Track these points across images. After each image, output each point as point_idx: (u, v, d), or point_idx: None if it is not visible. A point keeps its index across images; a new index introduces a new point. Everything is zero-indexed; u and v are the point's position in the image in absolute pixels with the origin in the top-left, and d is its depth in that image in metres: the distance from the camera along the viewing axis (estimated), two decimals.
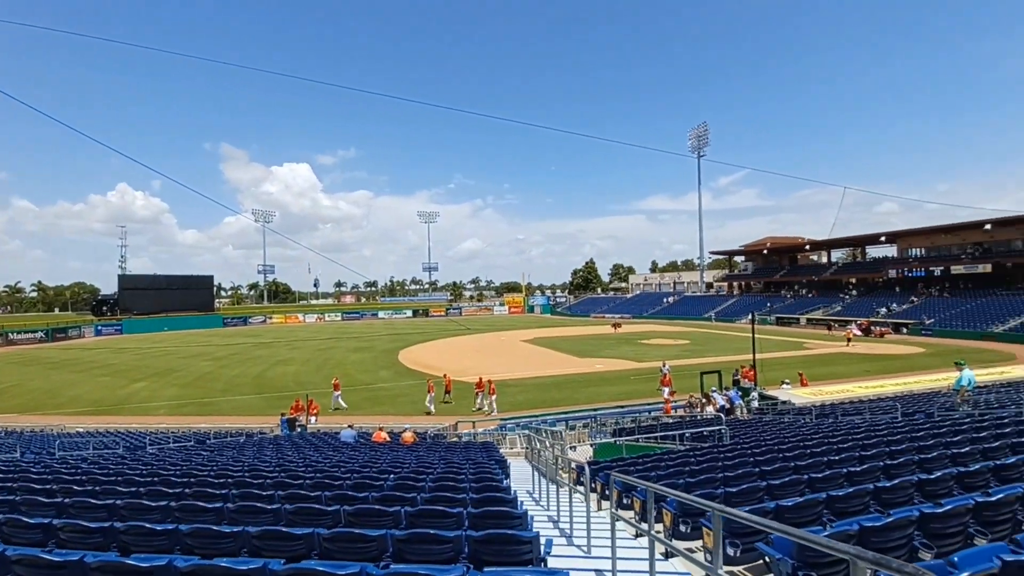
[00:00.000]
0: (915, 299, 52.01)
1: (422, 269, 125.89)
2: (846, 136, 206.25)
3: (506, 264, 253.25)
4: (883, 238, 61.23)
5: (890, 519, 3.52)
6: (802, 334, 49.09)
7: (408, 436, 13.46)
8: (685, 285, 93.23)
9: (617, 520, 4.55)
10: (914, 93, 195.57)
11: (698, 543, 5.00)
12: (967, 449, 6.49)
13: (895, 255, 61.01)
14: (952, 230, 53.52)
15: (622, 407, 20.67)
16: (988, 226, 49.58)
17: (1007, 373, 24.08)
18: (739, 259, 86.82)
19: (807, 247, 73.75)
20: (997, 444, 6.72)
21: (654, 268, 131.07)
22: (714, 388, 20.39)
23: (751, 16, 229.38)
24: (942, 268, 53.21)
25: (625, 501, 6.76)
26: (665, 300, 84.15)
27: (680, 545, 4.49)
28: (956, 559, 2.66)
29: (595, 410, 19.78)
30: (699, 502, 3.88)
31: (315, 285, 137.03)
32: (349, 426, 15.55)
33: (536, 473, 10.20)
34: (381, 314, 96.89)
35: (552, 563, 4.26)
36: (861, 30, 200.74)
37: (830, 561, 3.31)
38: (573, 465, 9.21)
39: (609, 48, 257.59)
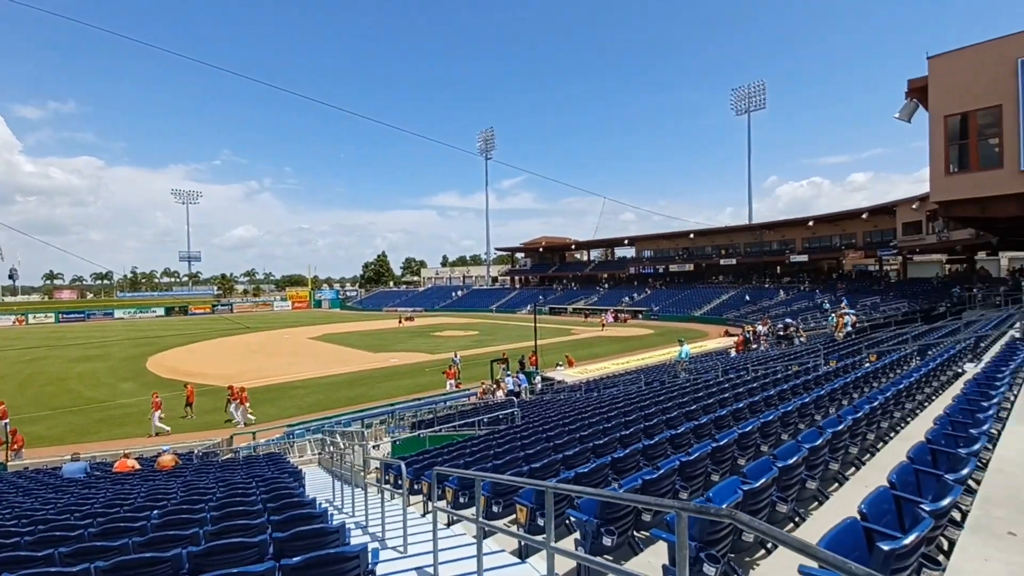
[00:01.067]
0: (647, 291, 65.15)
1: (179, 259, 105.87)
2: (605, 154, 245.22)
3: (288, 255, 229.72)
4: (626, 241, 75.04)
5: (661, 471, 4.33)
6: (569, 322, 56.93)
7: (167, 460, 11.09)
8: (474, 279, 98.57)
9: (437, 512, 4.57)
10: (639, 127, 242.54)
11: (508, 519, 5.38)
12: (695, 407, 8.42)
13: (634, 255, 75.28)
14: (669, 237, 68.53)
15: (419, 399, 20.81)
16: (691, 235, 65.15)
17: (705, 346, 32.01)
18: (520, 255, 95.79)
19: (573, 247, 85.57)
20: (711, 401, 8.87)
21: (445, 262, 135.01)
22: (508, 373, 22.13)
23: (533, 33, 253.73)
24: (663, 266, 67.82)
25: (438, 492, 6.84)
26: (454, 293, 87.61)
27: (497, 524, 4.75)
28: (711, 494, 3.42)
29: (392, 405, 19.47)
30: (515, 481, 4.17)
31: (11, 277, 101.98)
32: (74, 456, 12.09)
33: (335, 479, 9.55)
34: (119, 313, 77.88)
35: (381, 571, 4.05)
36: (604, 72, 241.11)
37: (622, 515, 3.92)
38: (378, 464, 8.91)
39: (410, 42, 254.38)
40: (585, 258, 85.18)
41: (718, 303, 54.01)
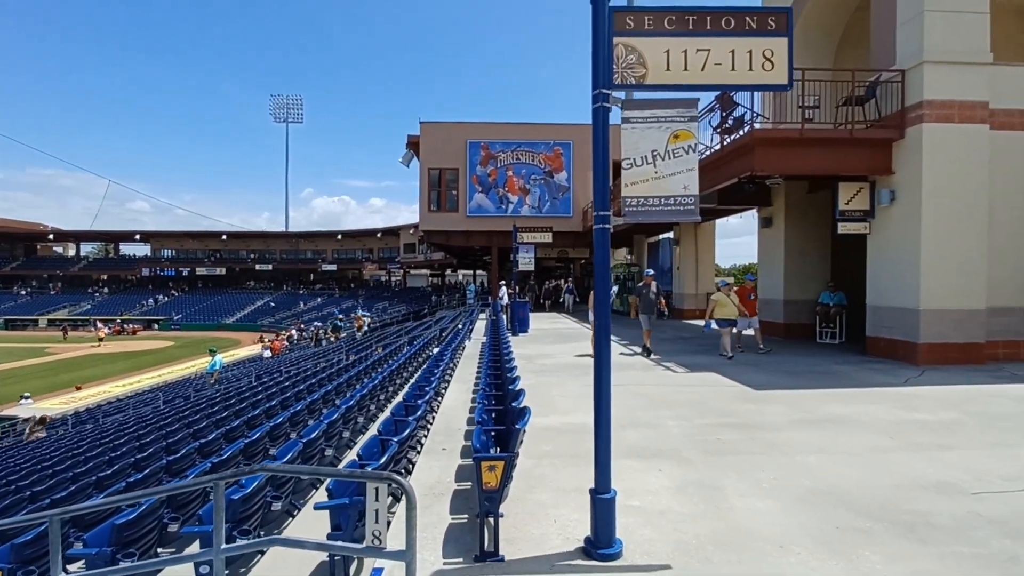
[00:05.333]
0: (167, 296, 55.70)
1: None
2: (109, 123, 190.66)
3: None
4: (138, 236, 61.75)
5: (189, 478, 4.30)
6: (43, 338, 41.66)
7: None
8: None
9: None
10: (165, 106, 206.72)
11: None
12: (226, 414, 8.29)
13: (149, 254, 62.83)
14: (198, 236, 61.21)
15: None
16: (224, 237, 60.41)
17: (238, 354, 30.55)
18: None
19: (51, 236, 62.95)
20: (244, 405, 8.94)
21: None
22: None
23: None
24: (189, 269, 59.75)
25: None
26: None
27: None
28: (244, 481, 3.78)
29: None
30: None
31: None
32: None
33: None
34: None
35: None
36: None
37: (144, 532, 3.70)
38: None
39: None
40: (72, 253, 64.37)
41: (253, 309, 52.32)
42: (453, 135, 24.00)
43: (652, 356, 9.68)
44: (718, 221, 18.53)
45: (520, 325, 14.30)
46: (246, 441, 5.15)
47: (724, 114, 10.32)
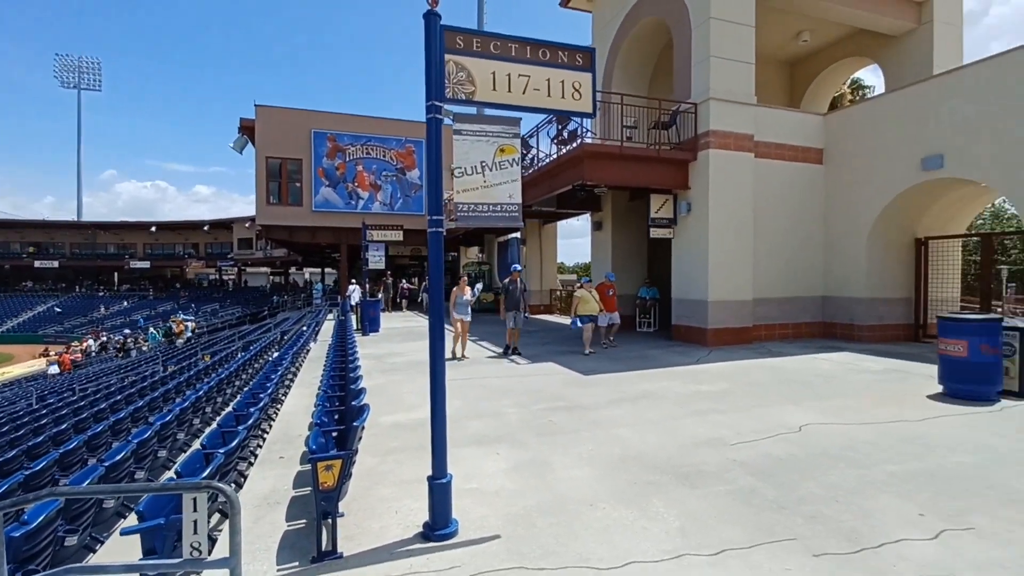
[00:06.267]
0: None
1: None
2: None
3: None
4: None
5: None
6: None
7: None
8: None
9: None
10: None
11: None
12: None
13: None
14: None
15: None
16: None
17: (9, 372, 24.54)
18: None
19: None
20: (22, 432, 7.35)
21: None
22: None
23: None
24: None
25: None
26: None
27: None
28: (27, 516, 3.21)
29: None
30: None
31: None
32: None
33: None
34: None
35: None
36: None
37: None
38: None
39: None
40: None
41: (32, 316, 42.36)
42: (295, 123, 22.29)
43: (521, 356, 9.37)
44: (561, 222, 20.18)
45: (371, 324, 13.95)
46: (27, 473, 4.31)
47: (560, 127, 11.35)
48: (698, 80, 10.51)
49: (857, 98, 19.29)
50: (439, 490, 3.13)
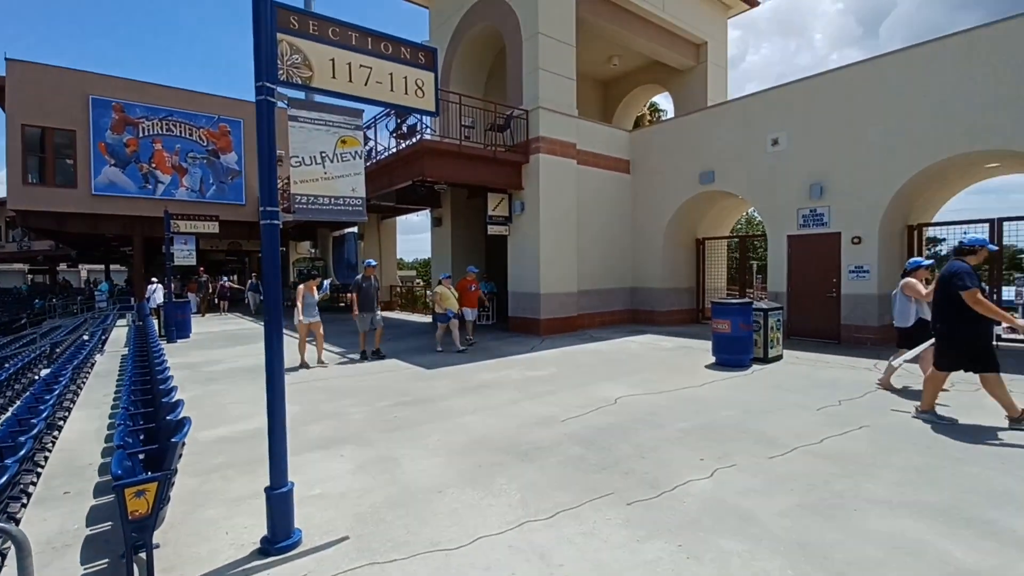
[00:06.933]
0: None
1: None
2: None
3: None
4: None
5: None
6: None
7: None
8: None
9: None
10: None
11: None
12: None
13: None
14: None
15: None
16: None
17: None
18: None
19: None
20: None
21: None
22: None
23: None
24: None
25: None
26: None
27: None
28: None
29: None
30: None
31: None
32: None
33: None
34: None
35: None
36: None
37: None
38: None
39: None
40: None
41: None
42: (65, 85, 17.96)
43: (365, 356, 8.81)
44: (401, 218, 19.85)
45: (178, 330, 12.08)
46: None
47: (400, 121, 11.19)
48: (529, 89, 11.31)
49: (655, 119, 22.71)
50: (278, 500, 2.95)
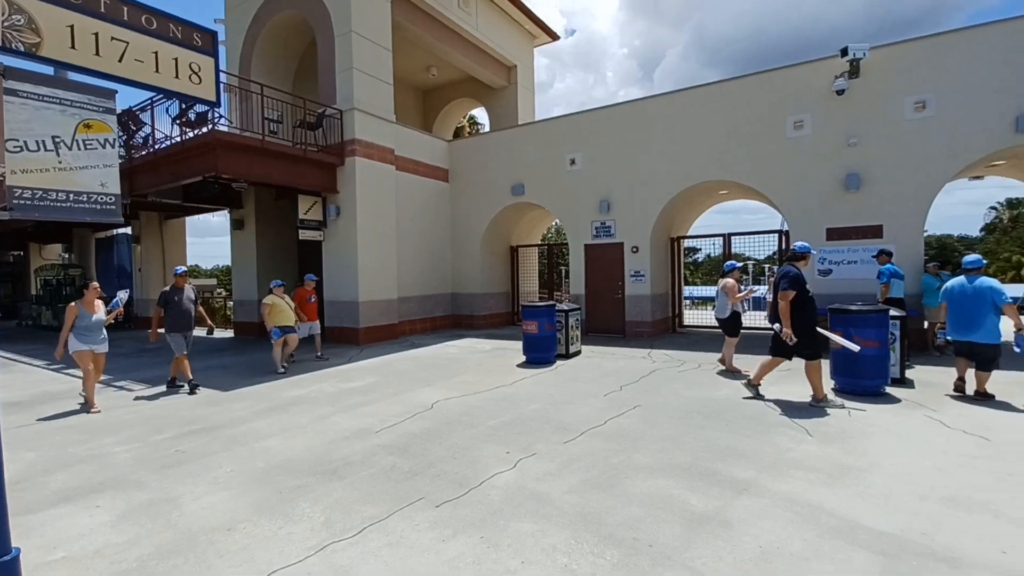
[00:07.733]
0: None
1: None
2: None
3: None
4: None
5: None
6: None
7: None
8: None
9: None
10: None
11: None
12: None
13: None
14: None
15: None
16: None
17: None
18: None
19: None
20: None
21: None
22: None
23: None
24: None
25: None
26: None
27: None
28: None
29: None
30: None
31: None
32: None
33: None
34: None
35: None
36: None
37: None
38: None
39: None
40: None
41: None
42: None
43: (139, 383, 7.54)
44: (191, 218, 17.10)
45: None
46: None
47: (185, 106, 9.67)
48: (343, 88, 10.82)
49: (473, 131, 23.71)
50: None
